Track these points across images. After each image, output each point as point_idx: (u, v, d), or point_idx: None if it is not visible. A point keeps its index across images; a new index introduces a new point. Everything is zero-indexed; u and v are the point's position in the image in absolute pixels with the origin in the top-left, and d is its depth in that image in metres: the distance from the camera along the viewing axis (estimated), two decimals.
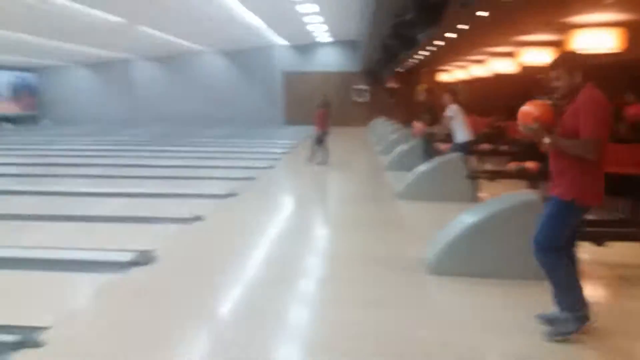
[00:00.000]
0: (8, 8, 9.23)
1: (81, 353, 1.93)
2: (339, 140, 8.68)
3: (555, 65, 2.11)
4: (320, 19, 12.25)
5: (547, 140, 2.03)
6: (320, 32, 14.56)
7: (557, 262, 2.08)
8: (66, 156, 8.49)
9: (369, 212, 4.53)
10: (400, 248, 3.38)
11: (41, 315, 2.20)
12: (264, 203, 4.93)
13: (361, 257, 3.17)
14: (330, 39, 16.06)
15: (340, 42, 16.32)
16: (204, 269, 2.97)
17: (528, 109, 2.12)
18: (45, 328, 2.05)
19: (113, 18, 10.87)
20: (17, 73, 18.78)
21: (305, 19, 12.20)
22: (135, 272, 2.81)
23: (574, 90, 2.03)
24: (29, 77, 19.38)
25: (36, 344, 1.93)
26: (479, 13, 4.28)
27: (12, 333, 1.99)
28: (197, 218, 3.98)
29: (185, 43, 15.44)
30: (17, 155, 8.83)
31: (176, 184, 5.62)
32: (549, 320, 2.11)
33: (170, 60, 17.97)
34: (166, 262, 2.98)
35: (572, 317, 2.04)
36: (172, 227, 3.81)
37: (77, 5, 9.53)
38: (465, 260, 2.76)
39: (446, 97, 5.08)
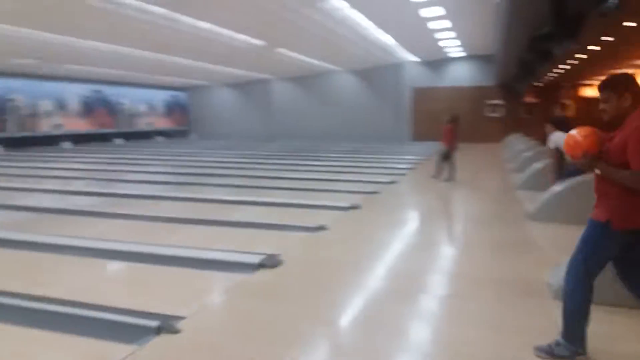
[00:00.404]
0: (167, 36, 10.43)
1: (210, 342, 2.12)
2: (469, 156, 8.40)
3: (603, 86, 2.01)
4: (453, 34, 12.06)
5: (597, 171, 1.95)
6: (453, 47, 14.30)
7: (579, 287, 2.00)
8: (210, 167, 9.30)
9: (496, 232, 4.33)
10: (527, 271, 3.18)
11: (179, 306, 2.45)
12: (386, 217, 4.95)
13: (485, 278, 3.05)
14: (462, 54, 15.68)
15: (473, 57, 15.85)
16: (325, 276, 3.07)
17: (576, 138, 1.98)
18: (181, 318, 2.30)
19: (255, 41, 11.73)
20: (171, 92, 21.07)
21: (437, 35, 12.09)
22: (262, 273, 3.01)
23: (622, 113, 1.89)
24: (181, 95, 21.64)
25: (173, 331, 2.16)
26: (625, 23, 3.93)
27: (154, 319, 2.25)
28: (321, 227, 4.13)
29: (319, 63, 16.12)
30: (169, 165, 9.88)
31: (304, 195, 5.87)
32: (548, 351, 2.05)
33: (305, 79, 18.88)
34: (290, 267, 3.15)
35: (567, 346, 2.00)
36: (298, 235, 4.01)
37: (225, 31, 10.48)
38: (594, 288, 2.52)
39: (548, 127, 4.81)
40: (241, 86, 20.25)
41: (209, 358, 1.98)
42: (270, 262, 3.15)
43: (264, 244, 3.65)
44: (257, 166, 9.34)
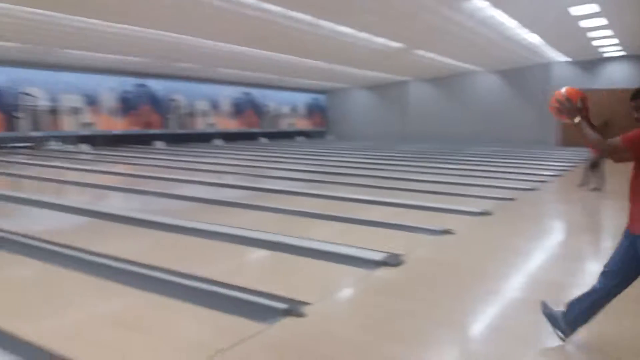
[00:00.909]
0: (310, 41, 10.96)
1: (332, 329, 2.26)
2: (621, 165, 7.59)
3: (636, 94, 2.12)
4: (609, 32, 10.99)
5: (577, 120, 2.07)
6: (609, 46, 13.02)
7: (602, 284, 2.03)
8: (344, 167, 9.62)
9: None
10: None
11: (306, 293, 2.65)
12: (520, 225, 4.73)
13: (635, 295, 2.80)
14: (621, 53, 14.19)
15: (633, 57, 14.26)
16: (450, 279, 3.06)
17: (576, 90, 2.20)
18: (307, 303, 2.49)
19: (394, 44, 11.83)
20: (312, 95, 22.01)
21: (591, 34, 11.11)
22: (384, 271, 3.11)
23: None
24: (320, 98, 22.50)
25: (299, 315, 2.36)
26: None
27: (283, 302, 2.46)
28: (447, 231, 4.10)
29: (459, 64, 15.70)
30: (307, 164, 10.39)
31: (434, 198, 5.83)
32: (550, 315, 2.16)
33: (443, 80, 18.51)
34: (412, 267, 3.19)
35: (564, 323, 2.09)
36: (423, 237, 4.03)
37: (364, 35, 10.73)
38: None
39: None
40: (378, 88, 20.47)
41: (329, 343, 2.12)
42: (393, 261, 3.22)
43: (389, 243, 3.73)
44: (389, 167, 9.43)
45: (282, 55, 13.16)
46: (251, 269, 3.38)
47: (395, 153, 13.02)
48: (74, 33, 9.84)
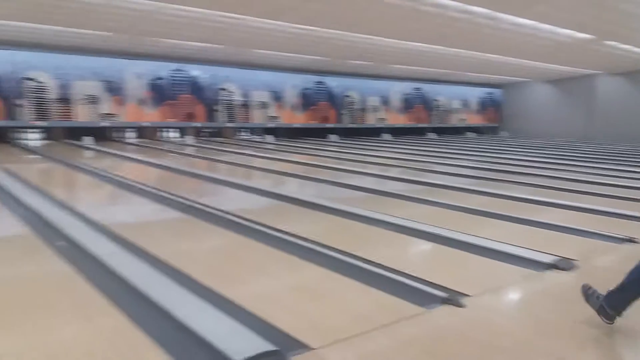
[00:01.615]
0: (486, 34, 10.64)
1: (490, 322, 2.35)
2: None
3: None
4: None
5: None
6: None
7: None
8: (518, 165, 9.21)
9: None
10: None
11: (467, 285, 2.75)
12: None
13: None
14: None
15: None
16: None
17: None
18: (467, 295, 2.60)
19: (581, 35, 10.87)
20: (485, 89, 21.16)
21: None
22: (553, 274, 3.05)
23: None
24: (495, 92, 21.51)
25: (458, 304, 2.48)
26: None
27: (444, 292, 2.61)
28: (629, 240, 3.80)
29: None
30: (477, 161, 10.16)
31: (616, 204, 5.35)
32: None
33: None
34: (586, 273, 3.06)
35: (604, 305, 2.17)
36: (601, 244, 3.79)
37: (546, 26, 10.07)
38: None
39: None
40: (560, 82, 18.88)
41: (487, 332, 2.22)
42: (564, 265, 3.13)
43: (561, 246, 3.60)
44: (568, 168, 8.77)
45: (457, 50, 12.96)
46: (414, 258, 3.57)
47: (577, 153, 11.98)
48: (265, 34, 10.94)
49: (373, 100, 18.29)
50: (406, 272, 2.94)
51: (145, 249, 3.34)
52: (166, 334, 2.08)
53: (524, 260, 3.26)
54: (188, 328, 2.09)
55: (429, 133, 19.32)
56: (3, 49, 11.69)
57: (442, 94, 20.13)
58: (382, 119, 18.53)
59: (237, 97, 15.35)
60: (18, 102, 11.97)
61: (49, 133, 12.89)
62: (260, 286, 2.79)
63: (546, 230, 4.22)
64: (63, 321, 2.23)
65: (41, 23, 9.88)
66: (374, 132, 18.06)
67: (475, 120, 21.20)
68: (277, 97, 16.10)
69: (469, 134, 20.30)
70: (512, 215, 4.68)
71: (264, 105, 15.85)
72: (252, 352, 1.85)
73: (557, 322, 2.36)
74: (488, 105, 21.54)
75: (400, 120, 19.05)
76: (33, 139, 12.59)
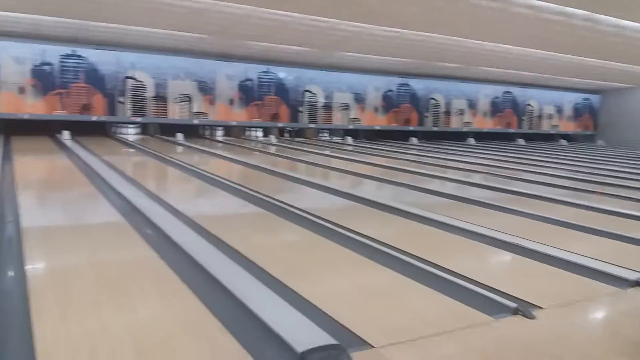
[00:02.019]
0: (583, 37, 10.03)
1: (562, 336, 2.25)
2: None
3: None
4: None
5: None
6: None
7: None
8: (615, 177, 8.60)
9: None
10: None
11: (541, 297, 2.64)
12: None
13: None
14: None
15: None
16: None
17: None
18: (539, 307, 2.50)
19: None
20: (582, 94, 19.90)
21: None
22: (637, 292, 2.85)
23: None
24: (592, 98, 20.18)
25: (528, 316, 2.39)
26: None
27: (513, 301, 2.53)
28: None
29: None
30: (569, 170, 9.62)
31: None
32: None
33: None
34: None
35: None
36: None
37: None
38: None
39: None
40: None
41: (558, 346, 2.13)
42: None
43: None
44: None
45: (552, 53, 12.33)
46: (490, 267, 3.47)
47: None
48: (350, 37, 11.04)
49: (459, 103, 17.82)
50: (479, 280, 2.87)
51: (222, 239, 3.52)
52: (235, 320, 2.20)
53: (608, 276, 3.07)
54: (256, 316, 2.19)
55: (518, 139, 18.51)
56: (109, 50, 12.68)
57: (534, 99, 19.19)
58: (468, 123, 18.00)
59: (320, 99, 15.59)
60: (120, 99, 12.92)
61: (145, 128, 13.82)
62: (329, 283, 2.85)
63: (638, 246, 3.93)
64: (143, 300, 2.42)
65: (149, 27, 10.62)
66: (458, 136, 17.60)
67: (568, 127, 20.02)
68: (359, 98, 16.15)
69: (562, 142, 19.21)
70: (602, 229, 4.40)
71: (345, 107, 15.96)
72: (314, 344, 1.91)
73: (638, 342, 2.21)
74: (584, 112, 20.23)
75: (487, 124, 18.40)
76: (131, 133, 13.57)
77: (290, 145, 13.02)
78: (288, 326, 2.10)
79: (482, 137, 17.91)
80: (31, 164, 8.07)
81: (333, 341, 1.97)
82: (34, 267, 2.90)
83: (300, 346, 1.90)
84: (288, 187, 6.67)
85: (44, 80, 12.15)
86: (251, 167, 8.35)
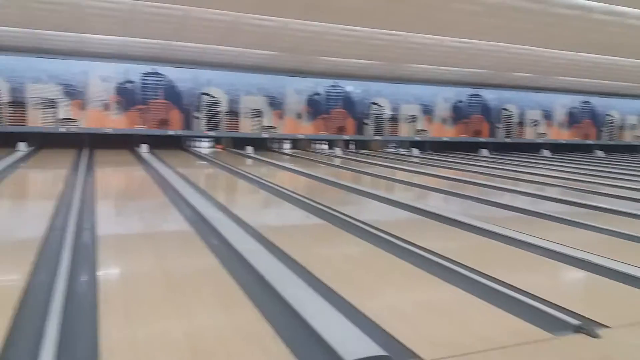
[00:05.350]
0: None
1: (628, 356, 2.12)
2: None
3: None
4: None
5: None
6: None
7: None
8: None
9: None
10: None
11: (608, 316, 2.50)
12: None
13: None
14: None
15: None
16: None
17: None
18: (606, 326, 2.38)
19: None
20: None
21: None
22: None
23: None
24: None
25: (592, 334, 2.27)
26: None
27: (576, 319, 2.41)
28: None
29: None
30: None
31: None
32: None
33: None
34: None
35: None
36: None
37: None
38: None
39: None
40: None
41: None
42: None
43: None
44: None
45: (636, 61, 11.63)
46: (558, 284, 3.32)
47: None
48: (419, 49, 10.98)
49: (533, 114, 17.14)
50: (543, 297, 2.76)
51: (283, 249, 3.61)
52: (289, 329, 2.25)
53: None
54: (309, 325, 2.23)
55: (597, 150, 17.48)
56: (187, 68, 13.36)
57: (615, 108, 18.09)
58: (542, 134, 17.25)
59: (387, 111, 15.54)
60: (195, 114, 13.54)
61: (218, 142, 14.38)
62: (385, 296, 2.84)
63: None
64: (201, 308, 2.53)
65: (224, 44, 11.13)
66: (531, 148, 16.90)
67: None
68: (427, 110, 15.95)
69: None
70: None
71: (412, 119, 15.81)
72: (363, 355, 1.92)
73: None
74: None
75: (563, 135, 17.55)
76: (204, 147, 14.16)
77: (355, 158, 13.06)
78: (339, 336, 2.12)
79: (558, 148, 17.10)
80: (110, 175, 8.64)
81: (382, 352, 1.97)
82: (106, 272, 3.12)
83: (348, 355, 1.92)
84: (351, 199, 6.70)
85: (126, 96, 13.01)
86: (316, 179, 8.47)
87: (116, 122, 12.92)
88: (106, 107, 12.85)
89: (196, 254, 3.56)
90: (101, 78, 12.78)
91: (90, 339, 2.09)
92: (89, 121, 12.68)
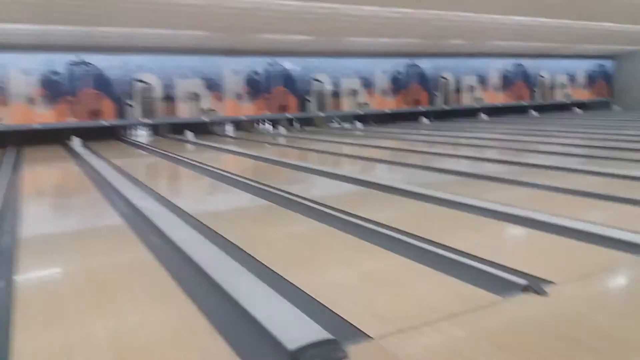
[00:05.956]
0: (601, 2, 9.69)
1: (577, 311, 2.11)
2: None
3: None
4: None
5: None
6: None
7: None
8: (632, 142, 8.31)
9: None
10: None
11: (554, 272, 2.49)
12: None
13: None
14: None
15: None
16: None
17: None
18: (551, 282, 2.36)
19: None
20: (595, 61, 19.34)
21: None
22: None
23: None
24: (605, 64, 19.61)
25: (540, 292, 2.25)
26: None
27: (523, 278, 2.39)
28: None
29: None
30: (584, 138, 9.34)
31: None
32: None
33: None
34: None
35: None
36: None
37: None
38: None
39: None
40: None
41: (572, 324, 1.99)
42: None
43: None
44: None
45: (564, 21, 11.96)
46: (501, 244, 3.31)
47: None
48: (355, 21, 10.83)
49: (469, 80, 17.47)
50: (490, 259, 2.73)
51: (223, 235, 3.43)
52: (228, 321, 2.10)
53: (627, 244, 2.90)
54: (250, 315, 2.08)
55: (531, 111, 18.10)
56: (116, 55, 12.69)
57: (546, 69, 18.71)
58: (479, 99, 17.64)
59: (328, 86, 15.41)
60: (128, 102, 12.93)
61: (155, 129, 13.83)
62: (331, 273, 2.73)
63: None
64: (131, 306, 2.33)
65: (153, 27, 10.56)
66: (469, 113, 17.28)
67: (582, 95, 19.49)
68: (367, 83, 15.93)
69: (576, 110, 18.73)
70: (625, 196, 4.20)
71: (353, 93, 15.76)
72: (307, 341, 1.80)
73: None
74: (598, 79, 19.67)
75: (498, 99, 18.02)
76: (141, 135, 13.59)
77: (300, 135, 12.90)
78: (282, 322, 1.99)
79: (495, 112, 17.56)
80: (39, 173, 8.09)
81: (327, 336, 1.85)
82: (25, 277, 2.85)
83: (291, 343, 1.79)
84: (298, 177, 6.56)
85: (53, 88, 12.22)
86: (261, 160, 8.25)
87: (44, 116, 12.15)
88: (31, 101, 12.04)
89: (128, 249, 3.32)
90: (22, 71, 11.93)
91: (0, 350, 1.86)
92: (13, 117, 11.86)
